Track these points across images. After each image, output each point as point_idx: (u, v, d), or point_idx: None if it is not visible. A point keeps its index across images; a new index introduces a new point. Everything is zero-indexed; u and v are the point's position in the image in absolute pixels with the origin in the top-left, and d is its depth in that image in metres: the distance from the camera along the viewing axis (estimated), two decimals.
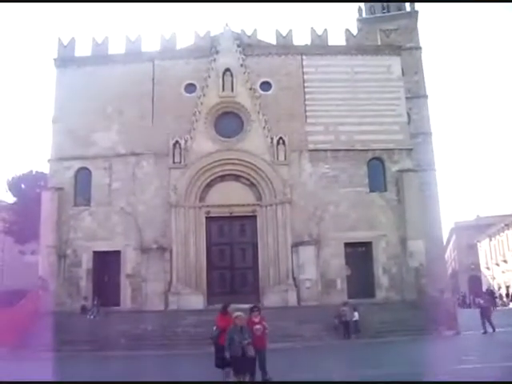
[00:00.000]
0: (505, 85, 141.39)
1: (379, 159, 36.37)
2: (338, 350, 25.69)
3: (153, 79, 37.11)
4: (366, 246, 35.23)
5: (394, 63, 37.92)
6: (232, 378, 13.99)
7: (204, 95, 36.46)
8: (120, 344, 28.40)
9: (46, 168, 39.54)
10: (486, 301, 31.82)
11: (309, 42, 38.23)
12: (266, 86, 37.20)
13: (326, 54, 37.62)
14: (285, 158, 35.53)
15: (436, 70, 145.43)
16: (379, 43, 38.96)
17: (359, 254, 35.51)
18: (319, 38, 38.05)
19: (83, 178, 36.23)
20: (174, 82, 36.93)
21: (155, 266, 34.13)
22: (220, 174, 35.92)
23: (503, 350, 21.87)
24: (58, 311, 32.63)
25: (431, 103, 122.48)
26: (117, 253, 34.98)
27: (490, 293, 51.81)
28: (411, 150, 37.15)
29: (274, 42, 38.16)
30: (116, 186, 35.81)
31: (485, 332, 28.51)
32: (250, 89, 36.54)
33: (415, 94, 49.70)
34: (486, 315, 29.38)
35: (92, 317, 31.84)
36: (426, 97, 51.40)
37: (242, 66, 36.86)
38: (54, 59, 37.74)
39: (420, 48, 52.73)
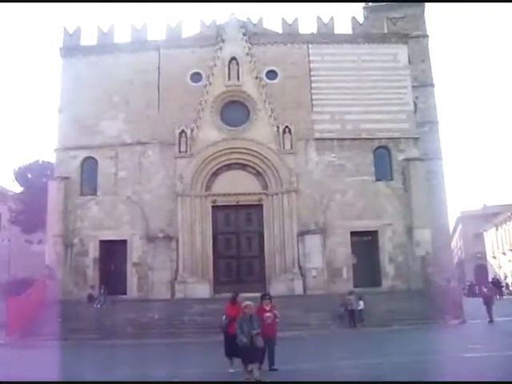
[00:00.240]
0: None
1: (385, 148, 36.29)
2: (344, 339, 25.72)
3: (158, 68, 37.05)
4: (372, 234, 35.23)
5: (401, 51, 37.74)
6: (235, 367, 13.85)
7: (210, 84, 36.39)
8: (127, 332, 28.60)
9: (52, 157, 39.64)
10: (488, 290, 31.83)
11: (315, 31, 38.05)
12: (271, 74, 37.10)
13: (332, 42, 37.48)
14: (291, 147, 35.48)
15: (443, 58, 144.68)
16: (386, 31, 38.77)
17: (365, 242, 35.50)
18: (325, 26, 37.89)
19: (89, 167, 36.31)
20: (179, 71, 36.85)
21: (161, 254, 34.20)
22: (226, 163, 35.92)
23: (509, 339, 21.86)
24: (64, 300, 32.84)
25: (438, 92, 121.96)
26: (123, 242, 35.07)
27: (497, 282, 51.74)
28: (418, 138, 37.03)
29: (279, 30, 38.02)
30: (122, 175, 35.87)
31: (491, 320, 28.59)
32: (256, 78, 36.45)
33: (422, 83, 49.40)
34: (489, 304, 29.46)
35: (99, 305, 31.97)
36: (432, 85, 51.11)
37: (247, 54, 36.74)
38: (60, 48, 37.70)
39: (427, 36, 52.35)
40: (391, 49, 37.70)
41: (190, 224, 34.76)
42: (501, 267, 70.26)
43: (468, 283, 63.23)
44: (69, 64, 37.45)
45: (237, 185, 35.50)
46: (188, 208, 34.89)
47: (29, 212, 45.94)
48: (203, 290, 33.73)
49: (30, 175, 48.21)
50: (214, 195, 35.71)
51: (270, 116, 35.79)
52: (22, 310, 29.72)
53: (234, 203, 35.60)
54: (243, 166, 36.04)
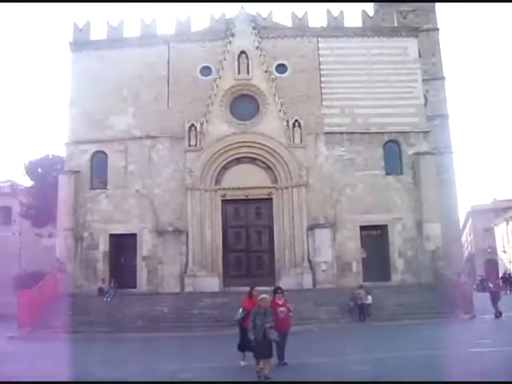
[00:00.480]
0: None
1: (395, 142, 36.17)
2: (354, 333, 25.73)
3: (168, 62, 37.08)
4: (382, 228, 35.18)
5: (411, 45, 37.58)
6: (246, 360, 13.78)
7: (219, 78, 36.37)
8: (137, 326, 28.77)
9: (62, 152, 39.78)
10: (495, 285, 31.74)
11: (325, 24, 37.90)
12: (281, 68, 37.05)
13: (342, 35, 37.37)
14: (301, 141, 35.45)
15: (454, 51, 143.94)
16: (396, 25, 38.49)
17: (375, 236, 35.46)
18: (335, 19, 37.76)
19: (99, 161, 36.42)
20: (189, 65, 36.86)
21: (171, 248, 34.27)
22: (236, 156, 35.94)
23: None
24: (75, 293, 33.13)
25: (448, 85, 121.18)
26: (133, 235, 35.19)
27: (508, 277, 51.52)
28: (428, 132, 36.84)
29: (289, 24, 37.90)
30: (132, 168, 35.96)
31: (497, 316, 28.58)
32: (266, 71, 36.39)
33: (432, 76, 49.12)
34: (496, 299, 29.42)
35: (109, 299, 32.15)
36: (443, 78, 50.80)
37: (257, 48, 36.68)
38: (70, 43, 37.79)
39: (437, 29, 51.99)
40: (401, 42, 37.54)
41: (200, 218, 34.81)
42: (511, 262, 69.94)
43: (479, 278, 63.00)
44: (79, 58, 37.54)
45: (246, 179, 35.51)
46: (198, 202, 34.93)
47: (39, 206, 46.08)
48: (213, 283, 33.81)
49: (40, 169, 48.25)
50: (223, 189, 35.73)
51: (280, 110, 35.75)
52: (33, 304, 29.95)
53: (244, 197, 35.59)
54: (253, 160, 36.03)
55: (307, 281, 33.40)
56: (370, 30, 37.68)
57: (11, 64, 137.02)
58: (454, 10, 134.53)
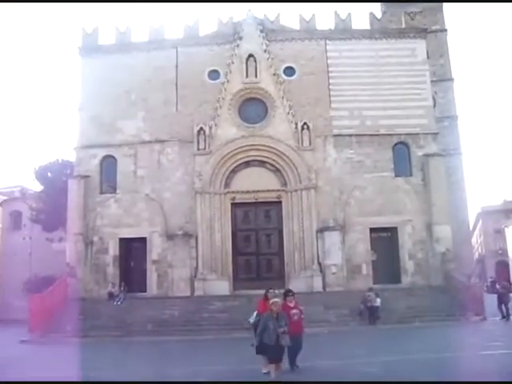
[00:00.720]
0: None
1: (404, 144, 36.11)
2: (364, 336, 25.68)
3: (176, 66, 37.17)
4: (392, 231, 35.09)
5: (419, 46, 37.53)
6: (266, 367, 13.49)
7: (228, 81, 36.44)
8: (147, 330, 28.82)
9: (72, 156, 39.90)
10: (502, 287, 31.62)
11: (332, 27, 37.90)
12: (289, 71, 37.07)
13: (350, 38, 37.35)
14: (309, 144, 35.45)
15: (462, 52, 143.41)
16: (404, 26, 38.44)
17: (385, 239, 35.38)
18: (343, 22, 37.77)
19: (109, 165, 36.54)
20: (197, 69, 36.95)
21: (181, 252, 34.32)
22: (245, 160, 35.98)
23: None
24: (85, 297, 33.27)
25: (457, 86, 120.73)
26: (143, 239, 35.28)
27: None
28: (437, 134, 36.76)
29: (297, 26, 37.94)
30: (141, 173, 36.06)
31: (502, 318, 28.50)
32: (274, 74, 36.42)
33: (441, 77, 48.99)
34: (503, 301, 29.31)
35: (119, 303, 32.21)
36: (451, 80, 50.64)
37: (265, 51, 36.73)
38: (79, 48, 37.97)
39: (445, 30, 51.83)
40: (409, 44, 37.49)
41: (209, 221, 34.86)
42: None
43: (490, 279, 62.66)
44: (88, 63, 37.70)
45: (255, 182, 35.55)
46: (207, 205, 34.99)
47: (49, 210, 46.21)
48: (222, 287, 33.84)
49: (50, 174, 48.41)
50: (232, 192, 35.77)
51: (288, 113, 35.77)
52: (44, 308, 30.08)
53: (253, 200, 35.62)
54: (262, 163, 36.08)
55: (317, 283, 33.36)
56: (378, 31, 37.66)
57: (21, 69, 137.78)
58: (462, 10, 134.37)
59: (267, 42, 36.97)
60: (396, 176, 35.59)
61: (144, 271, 35.02)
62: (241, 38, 36.96)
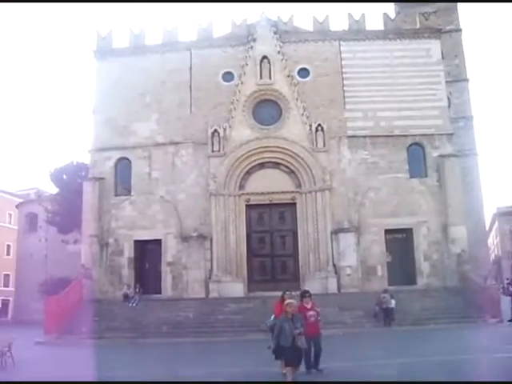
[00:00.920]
0: None
1: (419, 145, 35.96)
2: (379, 338, 25.56)
3: (190, 68, 37.26)
4: (407, 232, 34.93)
5: (434, 46, 37.37)
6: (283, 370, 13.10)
7: (242, 83, 36.47)
8: (162, 331, 28.87)
9: (86, 159, 40.15)
10: None
11: (346, 28, 37.86)
12: (303, 72, 37.04)
13: (364, 39, 37.27)
14: (324, 145, 35.39)
15: (477, 51, 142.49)
16: (418, 26, 38.30)
17: (400, 240, 35.24)
18: (356, 22, 37.69)
19: (123, 167, 36.69)
20: (211, 71, 37.01)
21: (196, 253, 34.36)
22: (259, 161, 35.98)
23: None
24: (100, 299, 33.38)
25: (472, 86, 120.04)
26: (157, 241, 35.37)
27: None
28: (452, 134, 36.54)
29: (310, 28, 37.94)
30: (156, 175, 36.16)
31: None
32: (288, 76, 36.41)
33: (455, 78, 48.75)
34: None
35: (134, 304, 32.29)
36: (466, 80, 50.42)
37: (279, 53, 36.73)
38: (94, 51, 38.18)
39: (460, 30, 51.60)
40: (424, 44, 37.34)
41: (224, 223, 34.88)
42: None
43: (507, 281, 62.13)
44: (102, 66, 37.92)
45: (270, 183, 35.54)
46: (222, 207, 35.01)
47: (64, 213, 46.48)
48: (237, 288, 33.85)
49: (65, 176, 48.75)
50: (247, 194, 35.78)
51: (303, 114, 35.74)
52: (59, 310, 30.20)
53: (268, 202, 35.62)
54: (276, 165, 36.06)
55: (332, 285, 33.28)
56: (392, 32, 37.54)
57: (37, 73, 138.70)
58: (477, 10, 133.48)
59: (281, 44, 36.96)
60: (411, 177, 35.45)
61: (159, 273, 35.10)
62: (255, 40, 36.99)
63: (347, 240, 34.12)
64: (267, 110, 36.73)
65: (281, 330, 12.56)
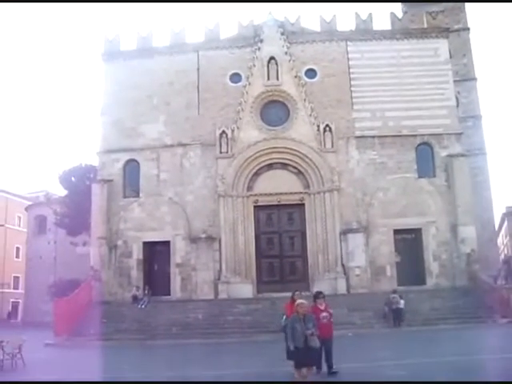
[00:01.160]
0: None
1: (428, 144, 35.85)
2: (389, 339, 25.45)
3: (198, 70, 37.29)
4: (416, 232, 34.84)
5: (442, 46, 37.27)
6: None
7: (249, 84, 36.47)
8: (171, 333, 28.84)
9: (95, 161, 40.25)
10: None
11: (353, 28, 37.78)
12: (311, 73, 37.01)
13: (371, 38, 37.20)
14: (332, 146, 35.35)
15: (485, 50, 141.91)
16: (425, 26, 38.15)
17: (409, 240, 35.17)
18: (364, 22, 37.62)
19: (132, 169, 36.76)
20: (218, 72, 37.04)
21: (204, 255, 34.36)
22: (267, 162, 35.97)
23: None
24: (109, 301, 33.44)
25: (481, 85, 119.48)
26: (166, 243, 35.40)
27: None
28: (461, 134, 36.44)
29: (317, 28, 37.90)
30: (164, 176, 36.20)
31: None
32: (295, 77, 36.38)
33: (464, 77, 48.49)
34: None
35: (143, 306, 32.31)
36: (475, 79, 50.13)
37: (286, 53, 36.71)
38: (101, 54, 38.28)
39: (468, 29, 51.30)
40: (431, 43, 37.25)
41: (233, 224, 34.87)
42: None
43: None
44: (110, 69, 38.02)
45: (278, 184, 35.51)
46: (230, 208, 35.01)
47: (73, 215, 46.61)
48: (246, 289, 33.83)
49: (73, 178, 48.87)
50: (255, 195, 35.76)
51: (310, 115, 35.70)
52: (69, 311, 30.25)
53: (276, 203, 35.60)
54: (284, 166, 36.03)
55: (341, 286, 33.21)
56: (400, 32, 37.46)
57: (46, 76, 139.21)
58: (485, 8, 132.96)
59: (288, 45, 36.93)
60: (419, 177, 35.36)
61: (168, 274, 35.13)
62: (262, 41, 36.99)
63: (356, 240, 34.06)
64: (275, 110, 36.72)
65: (293, 330, 12.41)
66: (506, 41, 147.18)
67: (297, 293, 15.85)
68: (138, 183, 36.51)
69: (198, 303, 32.59)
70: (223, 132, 35.58)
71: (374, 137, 35.85)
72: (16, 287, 69.40)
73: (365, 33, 37.33)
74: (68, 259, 48.00)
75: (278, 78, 36.49)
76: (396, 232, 34.69)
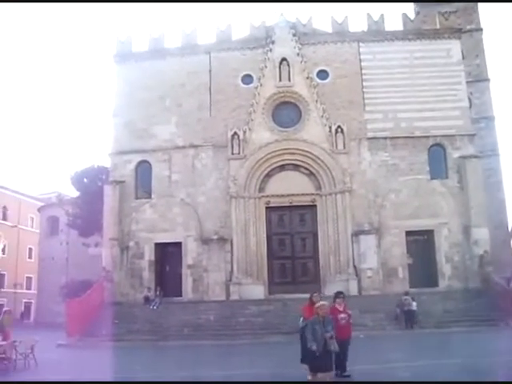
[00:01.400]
0: None
1: (440, 146, 35.67)
2: (401, 340, 25.35)
3: (210, 71, 37.33)
4: (428, 234, 34.68)
5: (454, 47, 37.08)
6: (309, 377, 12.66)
7: (261, 85, 36.46)
8: (183, 334, 28.87)
9: (107, 162, 40.35)
10: None
11: (365, 29, 37.66)
12: (323, 74, 36.94)
13: (383, 39, 37.08)
14: (344, 147, 35.26)
15: (498, 51, 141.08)
16: (438, 26, 37.95)
17: (421, 242, 34.98)
18: (376, 23, 37.51)
19: (144, 170, 36.85)
20: (230, 73, 37.07)
21: (216, 256, 34.37)
22: (279, 164, 35.93)
23: None
24: (121, 302, 33.52)
25: (494, 86, 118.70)
26: (178, 244, 35.44)
27: None
28: (474, 135, 36.23)
29: (329, 29, 37.81)
30: (176, 178, 36.25)
31: None
32: (307, 78, 36.33)
33: (476, 78, 48.25)
34: None
35: (155, 307, 32.36)
36: (487, 80, 49.86)
37: (298, 55, 36.66)
38: (114, 56, 38.42)
39: (481, 29, 51.03)
40: (444, 44, 37.07)
41: (244, 225, 34.86)
42: None
43: None
44: (122, 70, 38.15)
45: (290, 186, 35.46)
46: (242, 209, 35.01)
47: (85, 216, 46.73)
48: (258, 291, 33.80)
49: (85, 180, 49.01)
50: (267, 196, 35.73)
51: (322, 116, 35.63)
52: (81, 312, 30.34)
53: (288, 204, 35.54)
54: (296, 167, 35.98)
55: (353, 287, 33.08)
56: (412, 33, 37.32)
57: (58, 77, 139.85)
58: (498, 9, 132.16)
59: (300, 46, 36.89)
60: (432, 178, 35.18)
61: (179, 276, 35.16)
62: (273, 42, 36.97)
63: (368, 242, 33.95)
64: (287, 112, 36.68)
65: (313, 331, 12.16)
66: None
67: (315, 294, 15.62)
68: (150, 184, 36.59)
69: (209, 304, 32.60)
70: (235, 133, 35.59)
71: (386, 138, 35.72)
72: (29, 288, 69.74)
73: (377, 34, 37.21)
74: (80, 260, 48.12)
75: (289, 80, 36.45)
76: (408, 233, 34.54)
